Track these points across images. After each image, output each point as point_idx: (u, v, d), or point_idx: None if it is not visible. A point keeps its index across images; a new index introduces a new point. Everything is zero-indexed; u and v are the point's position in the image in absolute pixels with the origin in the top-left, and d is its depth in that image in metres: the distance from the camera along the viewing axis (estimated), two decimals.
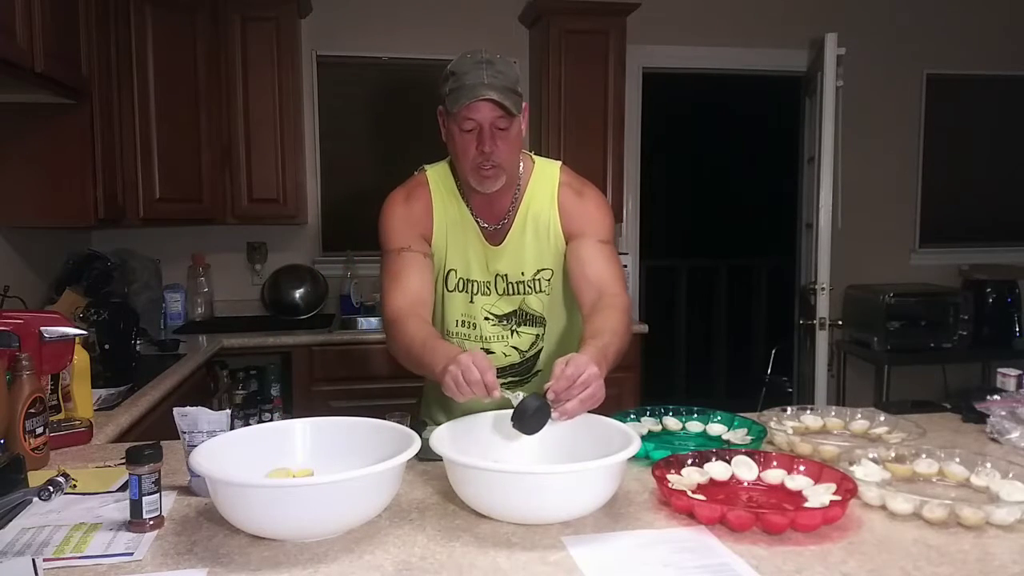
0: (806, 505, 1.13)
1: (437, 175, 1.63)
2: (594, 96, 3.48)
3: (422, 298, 1.54)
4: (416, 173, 1.67)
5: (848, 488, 1.14)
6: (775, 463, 1.28)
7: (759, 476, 1.26)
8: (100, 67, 2.58)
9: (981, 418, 1.61)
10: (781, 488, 1.23)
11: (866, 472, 1.24)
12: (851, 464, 1.28)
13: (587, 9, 3.48)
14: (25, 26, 1.96)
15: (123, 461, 1.17)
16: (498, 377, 1.28)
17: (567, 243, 1.59)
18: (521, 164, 1.61)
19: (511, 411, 1.26)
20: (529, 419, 1.25)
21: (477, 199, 1.59)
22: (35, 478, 1.24)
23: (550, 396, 1.24)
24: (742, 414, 1.59)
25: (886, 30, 4.05)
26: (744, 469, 1.27)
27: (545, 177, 1.61)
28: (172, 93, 3.12)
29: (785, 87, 4.17)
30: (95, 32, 2.51)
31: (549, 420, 1.25)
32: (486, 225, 1.61)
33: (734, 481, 1.26)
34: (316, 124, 3.68)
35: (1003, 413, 1.54)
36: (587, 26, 3.46)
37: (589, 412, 1.28)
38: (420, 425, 1.45)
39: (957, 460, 1.30)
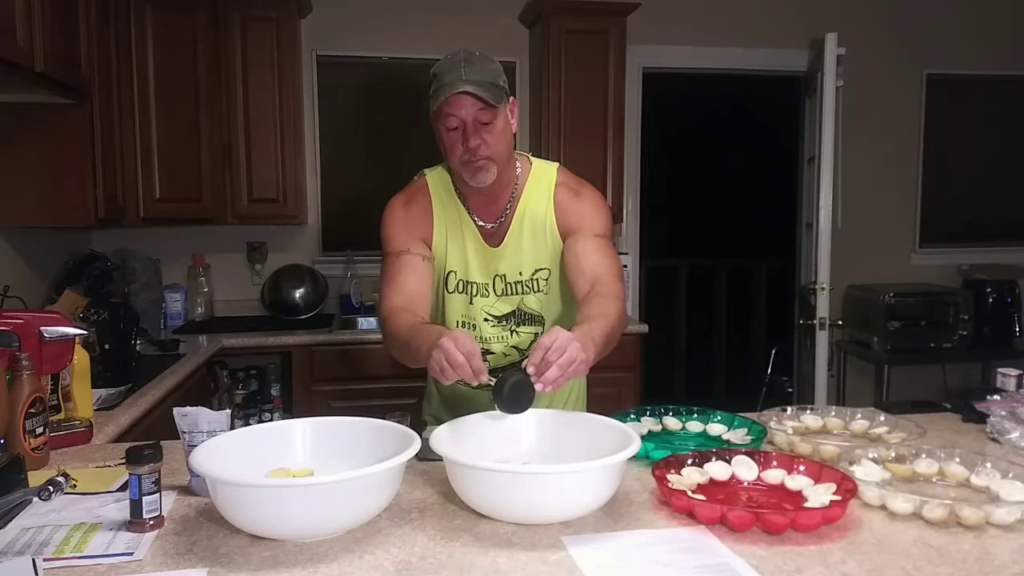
0: (806, 505, 1.13)
1: (436, 178, 1.65)
2: (594, 96, 3.47)
3: (416, 298, 1.55)
4: (416, 178, 1.69)
5: (848, 488, 1.14)
6: (775, 463, 1.28)
7: (759, 476, 1.26)
8: (100, 67, 2.58)
9: (981, 418, 1.61)
10: (781, 488, 1.23)
11: (866, 472, 1.24)
12: (851, 464, 1.28)
13: (587, 9, 3.48)
14: (25, 26, 1.96)
15: (123, 461, 1.17)
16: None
17: (564, 240, 1.60)
18: (519, 165, 1.62)
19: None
20: (508, 394, 1.24)
21: (475, 199, 1.60)
22: (35, 478, 1.24)
23: (530, 370, 1.24)
24: (742, 414, 1.59)
25: (886, 30, 4.05)
26: (744, 469, 1.27)
27: (542, 178, 1.62)
28: (172, 93, 3.13)
29: (785, 87, 4.17)
30: (95, 32, 2.51)
31: (535, 396, 1.25)
32: (484, 224, 1.61)
33: (734, 481, 1.26)
34: (316, 124, 3.68)
35: (1003, 413, 1.54)
36: (587, 26, 3.46)
37: (589, 412, 1.27)
38: (420, 425, 1.45)
39: (957, 460, 1.30)
